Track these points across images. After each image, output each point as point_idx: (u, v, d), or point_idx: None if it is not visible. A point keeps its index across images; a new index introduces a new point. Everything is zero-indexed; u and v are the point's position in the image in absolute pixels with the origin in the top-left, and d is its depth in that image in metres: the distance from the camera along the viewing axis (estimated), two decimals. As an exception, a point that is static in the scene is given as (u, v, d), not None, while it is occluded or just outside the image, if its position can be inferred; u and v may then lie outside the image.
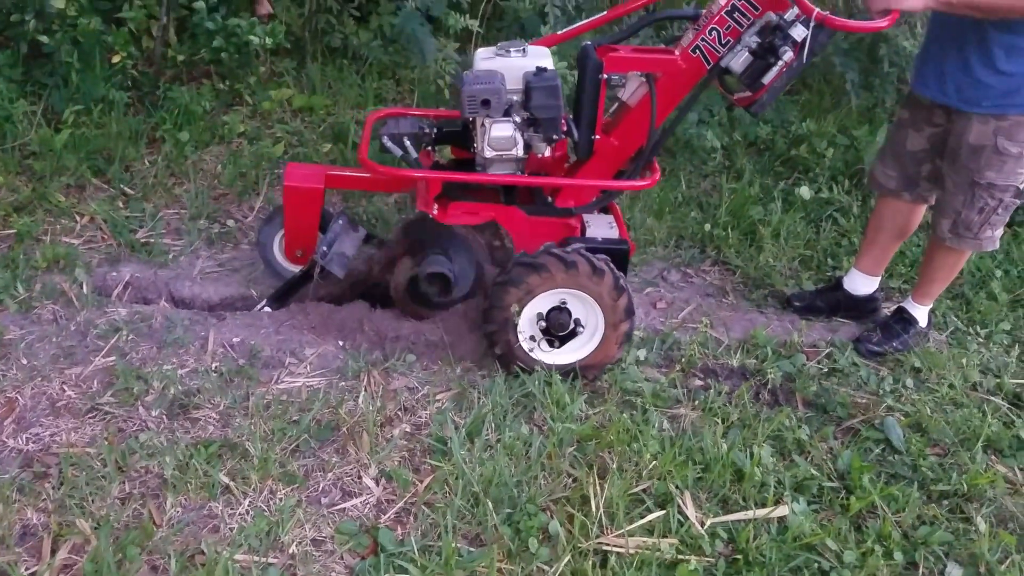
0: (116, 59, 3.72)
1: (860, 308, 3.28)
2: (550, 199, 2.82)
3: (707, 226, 3.70)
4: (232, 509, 2.18)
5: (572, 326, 2.69)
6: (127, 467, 2.26)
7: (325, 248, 2.81)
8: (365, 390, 2.60)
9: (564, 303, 2.67)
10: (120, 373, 2.54)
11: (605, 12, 2.86)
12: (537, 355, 2.71)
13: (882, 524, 2.31)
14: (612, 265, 2.63)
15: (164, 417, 2.44)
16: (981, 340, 3.23)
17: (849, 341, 3.11)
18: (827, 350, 3.06)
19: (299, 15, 4.26)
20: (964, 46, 2.65)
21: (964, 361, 3.05)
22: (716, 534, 2.23)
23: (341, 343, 2.80)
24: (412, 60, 4.03)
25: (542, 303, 2.67)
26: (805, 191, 3.87)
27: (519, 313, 2.64)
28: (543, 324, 2.69)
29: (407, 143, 2.74)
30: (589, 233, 2.82)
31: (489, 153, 2.66)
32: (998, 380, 2.98)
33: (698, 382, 2.85)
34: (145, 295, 3.04)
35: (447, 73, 3.82)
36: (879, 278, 3.27)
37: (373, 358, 2.74)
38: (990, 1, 2.48)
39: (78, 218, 3.32)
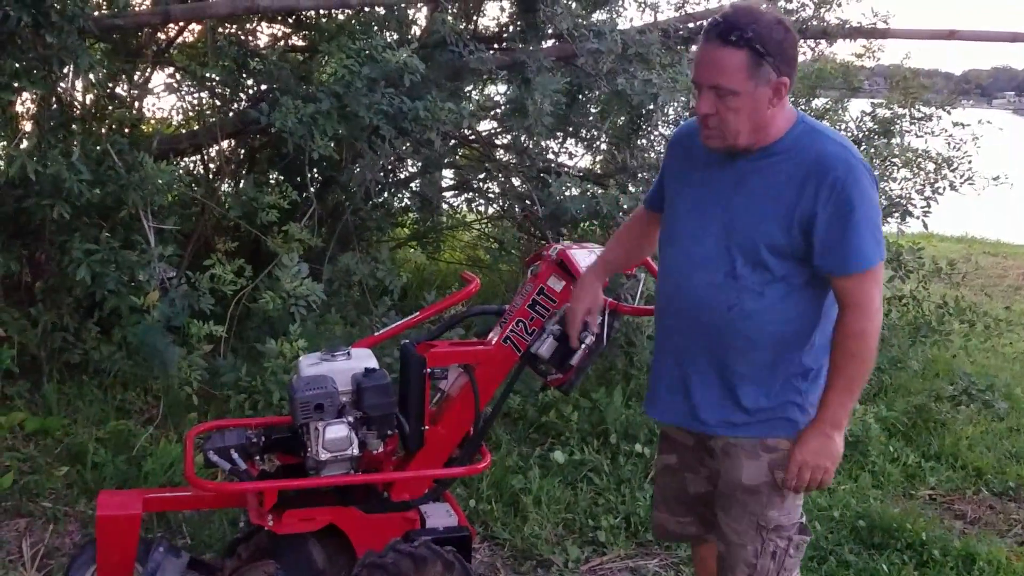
0: None
1: None
2: (386, 495, 2.79)
3: (472, 502, 3.74)
4: None
5: None
6: None
7: None
8: None
9: None
10: None
11: (418, 313, 3.05)
12: None
13: None
14: (461, 558, 2.59)
15: None
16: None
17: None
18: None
19: (35, 334, 4.12)
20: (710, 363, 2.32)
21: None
22: None
23: None
24: (155, 370, 3.97)
25: None
26: (559, 455, 4.06)
27: None
28: None
29: (235, 455, 2.65)
30: (429, 524, 2.80)
31: (324, 455, 2.63)
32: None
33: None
34: None
35: (194, 379, 3.78)
36: None
37: None
38: (861, 378, 2.23)
39: None
